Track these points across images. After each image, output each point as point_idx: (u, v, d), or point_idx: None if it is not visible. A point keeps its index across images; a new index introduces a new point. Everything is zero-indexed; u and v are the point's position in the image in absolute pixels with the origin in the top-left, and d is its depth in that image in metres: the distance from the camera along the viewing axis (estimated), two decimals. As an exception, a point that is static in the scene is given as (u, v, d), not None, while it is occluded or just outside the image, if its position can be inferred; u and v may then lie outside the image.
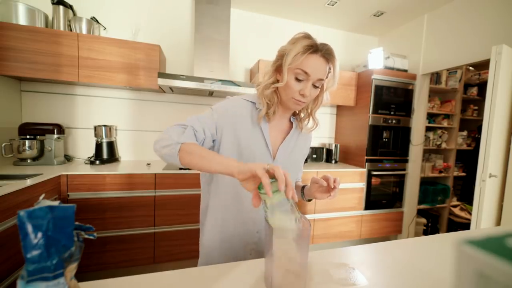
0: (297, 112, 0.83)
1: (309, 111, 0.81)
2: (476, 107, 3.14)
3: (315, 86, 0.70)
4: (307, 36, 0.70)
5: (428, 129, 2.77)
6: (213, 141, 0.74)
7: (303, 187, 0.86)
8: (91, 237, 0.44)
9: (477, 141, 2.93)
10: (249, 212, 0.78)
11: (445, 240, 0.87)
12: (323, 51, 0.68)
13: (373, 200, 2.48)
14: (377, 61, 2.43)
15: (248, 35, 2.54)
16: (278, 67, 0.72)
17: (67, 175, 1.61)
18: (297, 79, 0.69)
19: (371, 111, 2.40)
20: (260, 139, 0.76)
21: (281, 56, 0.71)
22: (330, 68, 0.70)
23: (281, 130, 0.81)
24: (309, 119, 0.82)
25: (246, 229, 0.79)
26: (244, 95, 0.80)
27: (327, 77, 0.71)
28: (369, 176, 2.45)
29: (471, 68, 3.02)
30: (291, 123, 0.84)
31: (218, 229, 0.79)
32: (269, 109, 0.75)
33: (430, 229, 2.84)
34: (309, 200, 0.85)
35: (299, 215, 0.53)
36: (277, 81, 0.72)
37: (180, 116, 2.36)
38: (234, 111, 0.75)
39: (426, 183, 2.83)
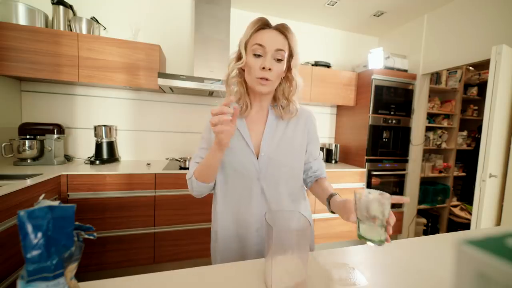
0: (276, 100, 0.79)
1: (286, 95, 0.77)
2: (476, 107, 3.14)
3: (277, 60, 0.69)
4: (260, 18, 0.70)
5: (428, 129, 2.77)
6: None
7: (331, 195, 0.75)
8: (91, 237, 0.44)
9: (477, 141, 2.93)
10: (247, 211, 0.76)
11: (445, 240, 0.87)
12: (276, 25, 0.69)
13: (373, 200, 2.48)
14: (377, 61, 2.43)
15: (248, 35, 2.54)
16: (239, 54, 0.73)
17: (67, 175, 1.61)
18: (255, 55, 0.68)
19: (371, 111, 2.40)
20: (237, 134, 0.74)
21: (239, 43, 0.72)
22: (289, 45, 0.70)
23: (263, 122, 0.78)
24: (289, 106, 0.77)
25: (247, 228, 0.77)
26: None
27: (290, 54, 0.71)
28: (369, 176, 2.45)
29: (471, 68, 3.02)
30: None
31: (232, 228, 0.78)
32: (238, 101, 0.75)
33: (430, 229, 2.84)
34: (333, 213, 0.74)
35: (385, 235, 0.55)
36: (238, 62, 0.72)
37: (180, 116, 2.37)
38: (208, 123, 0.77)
39: (426, 183, 2.83)
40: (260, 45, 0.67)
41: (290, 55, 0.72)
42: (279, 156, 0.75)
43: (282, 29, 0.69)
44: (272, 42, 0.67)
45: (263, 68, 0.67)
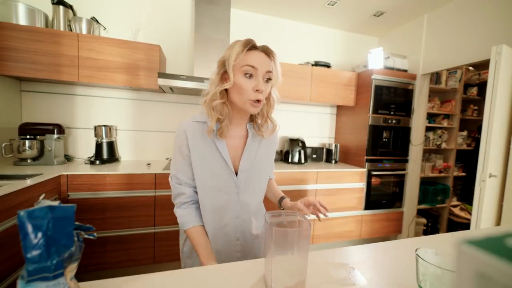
0: (254, 118, 0.81)
1: (265, 114, 0.79)
2: (476, 107, 3.14)
3: (266, 81, 0.71)
4: (244, 39, 0.72)
5: (428, 129, 2.77)
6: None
7: (282, 198, 0.89)
8: (91, 237, 0.44)
9: (477, 141, 2.93)
10: (226, 223, 0.80)
11: (445, 240, 0.87)
12: (261, 47, 0.72)
13: (373, 200, 2.48)
14: (377, 61, 2.43)
15: (248, 35, 2.53)
16: (223, 75, 0.72)
17: (67, 175, 1.61)
18: (247, 76, 0.69)
19: (371, 111, 2.40)
20: (217, 155, 0.76)
21: (223, 62, 0.72)
22: (272, 64, 0.72)
23: (240, 137, 0.81)
24: (267, 124, 0.81)
25: (228, 240, 0.81)
26: (196, 115, 0.79)
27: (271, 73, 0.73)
28: (369, 176, 2.45)
29: (471, 68, 3.02)
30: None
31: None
32: (221, 123, 0.74)
33: (430, 229, 2.84)
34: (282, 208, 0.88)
35: None
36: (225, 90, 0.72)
37: (180, 116, 2.36)
38: (182, 135, 0.76)
39: (426, 183, 2.83)
40: (252, 66, 0.68)
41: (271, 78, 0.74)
42: (255, 172, 0.82)
43: (268, 52, 0.71)
44: (263, 64, 0.69)
45: (257, 90, 0.69)
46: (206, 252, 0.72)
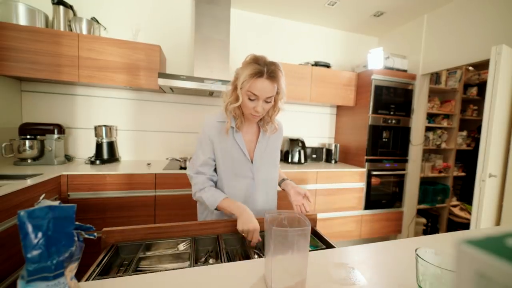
0: (262, 118, 0.98)
1: (270, 117, 0.96)
2: (476, 107, 3.14)
3: (266, 102, 0.87)
4: (255, 61, 0.83)
5: (428, 129, 2.78)
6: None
7: (284, 179, 1.10)
8: (91, 237, 0.44)
9: (477, 141, 2.93)
10: (242, 202, 0.93)
11: (445, 240, 0.87)
12: (268, 73, 0.82)
13: (373, 200, 2.48)
14: (377, 61, 2.43)
15: (248, 35, 2.54)
16: (235, 87, 0.88)
17: (67, 175, 1.61)
18: (250, 99, 0.85)
19: (371, 111, 2.40)
20: (236, 147, 0.95)
21: (236, 78, 0.87)
22: (276, 86, 0.85)
23: (253, 133, 1.00)
24: (271, 123, 0.99)
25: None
26: (218, 115, 0.96)
27: (277, 92, 0.87)
28: (369, 176, 2.45)
29: (471, 68, 3.02)
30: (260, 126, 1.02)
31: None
32: (236, 120, 0.94)
33: (430, 229, 2.84)
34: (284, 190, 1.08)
35: None
36: (236, 99, 0.88)
37: (180, 116, 2.37)
38: (209, 132, 0.94)
39: (426, 183, 2.83)
40: (254, 94, 0.83)
41: (277, 92, 0.88)
42: (266, 161, 1.00)
43: (273, 79, 0.83)
44: (264, 92, 0.84)
45: (255, 110, 0.86)
46: (242, 207, 0.87)
